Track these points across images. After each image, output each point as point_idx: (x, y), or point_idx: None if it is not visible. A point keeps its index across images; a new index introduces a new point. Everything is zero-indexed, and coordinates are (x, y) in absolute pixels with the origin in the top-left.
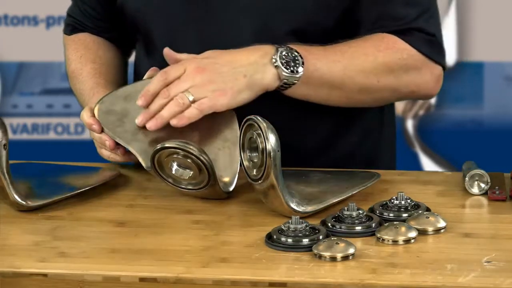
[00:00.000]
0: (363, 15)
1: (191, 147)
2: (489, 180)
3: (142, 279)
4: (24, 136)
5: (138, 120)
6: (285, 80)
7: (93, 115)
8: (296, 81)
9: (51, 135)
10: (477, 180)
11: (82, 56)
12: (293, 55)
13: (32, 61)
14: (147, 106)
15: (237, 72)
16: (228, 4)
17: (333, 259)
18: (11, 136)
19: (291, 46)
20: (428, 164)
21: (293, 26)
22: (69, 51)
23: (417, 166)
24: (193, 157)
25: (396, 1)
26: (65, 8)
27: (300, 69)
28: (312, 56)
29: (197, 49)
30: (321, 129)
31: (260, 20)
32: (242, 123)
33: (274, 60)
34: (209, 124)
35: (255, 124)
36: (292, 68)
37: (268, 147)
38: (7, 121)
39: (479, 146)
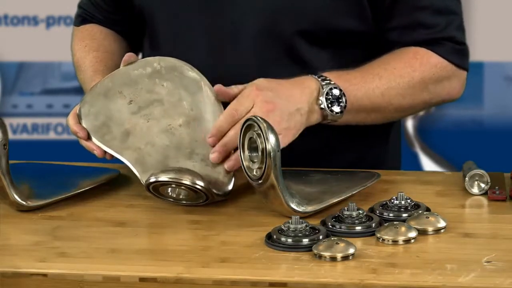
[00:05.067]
0: (391, 24)
1: (185, 176)
2: (489, 180)
3: (142, 279)
4: (24, 136)
5: (213, 158)
6: (329, 120)
7: (78, 122)
8: (338, 119)
9: (51, 135)
10: (477, 180)
11: (86, 46)
12: (337, 94)
13: (32, 61)
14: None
15: (297, 110)
16: (236, 2)
17: (333, 259)
18: (11, 136)
19: (331, 79)
20: (428, 164)
21: (300, 27)
22: (75, 41)
23: (417, 166)
24: (187, 186)
25: (426, 10)
26: (65, 8)
27: (344, 107)
28: (353, 87)
29: (202, 46)
30: (328, 132)
31: (267, 20)
32: (242, 123)
33: (320, 102)
34: (195, 114)
35: (255, 124)
36: (337, 109)
37: (268, 147)
38: (7, 121)
39: (479, 146)
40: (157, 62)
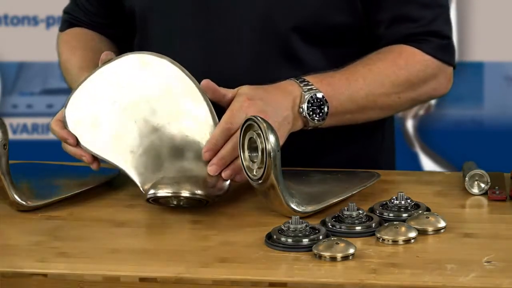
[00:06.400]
0: (378, 17)
1: (184, 187)
2: (489, 180)
3: (142, 279)
4: (24, 136)
5: (211, 170)
6: (311, 127)
7: (64, 127)
8: (320, 126)
9: (51, 135)
10: (477, 180)
11: (72, 47)
12: (318, 100)
13: (32, 61)
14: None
15: (284, 119)
16: (230, 1)
17: (333, 259)
18: (11, 136)
19: (314, 83)
20: (428, 164)
21: (295, 23)
22: (60, 44)
23: (417, 166)
24: (187, 197)
25: (413, 3)
26: None
27: (326, 114)
28: (336, 92)
29: (196, 45)
30: (322, 130)
31: (262, 16)
32: (242, 123)
33: (301, 110)
34: (182, 108)
35: (255, 124)
36: (318, 117)
37: (268, 147)
38: (7, 121)
39: (479, 146)
40: (135, 58)
